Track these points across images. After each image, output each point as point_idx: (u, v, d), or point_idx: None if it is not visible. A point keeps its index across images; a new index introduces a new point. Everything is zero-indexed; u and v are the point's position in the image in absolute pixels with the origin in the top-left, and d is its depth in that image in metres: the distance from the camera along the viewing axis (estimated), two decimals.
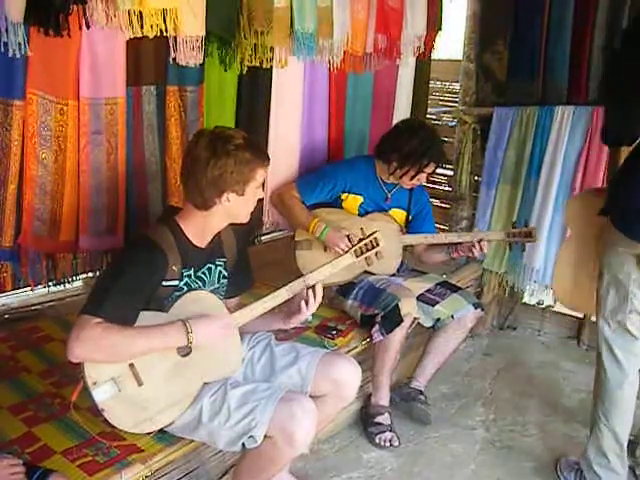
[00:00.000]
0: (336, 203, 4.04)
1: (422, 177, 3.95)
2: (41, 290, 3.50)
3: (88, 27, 2.82)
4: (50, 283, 3.33)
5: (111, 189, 3.26)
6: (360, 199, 4.03)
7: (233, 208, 2.68)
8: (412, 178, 3.91)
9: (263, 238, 5.20)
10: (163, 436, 2.76)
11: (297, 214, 3.94)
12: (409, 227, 4.19)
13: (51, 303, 4.08)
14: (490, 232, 4.60)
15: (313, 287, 2.80)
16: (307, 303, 2.79)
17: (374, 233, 3.12)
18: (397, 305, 3.62)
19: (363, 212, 4.05)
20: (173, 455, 2.78)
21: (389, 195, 4.09)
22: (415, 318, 3.74)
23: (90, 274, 3.48)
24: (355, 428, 3.92)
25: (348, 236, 3.62)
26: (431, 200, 4.40)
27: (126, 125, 3.23)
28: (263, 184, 2.79)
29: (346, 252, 3.11)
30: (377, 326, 3.68)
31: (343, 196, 4.02)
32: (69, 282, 3.42)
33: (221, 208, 2.66)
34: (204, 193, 2.62)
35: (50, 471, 2.36)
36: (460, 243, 3.90)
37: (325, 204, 4.03)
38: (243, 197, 2.66)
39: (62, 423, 2.86)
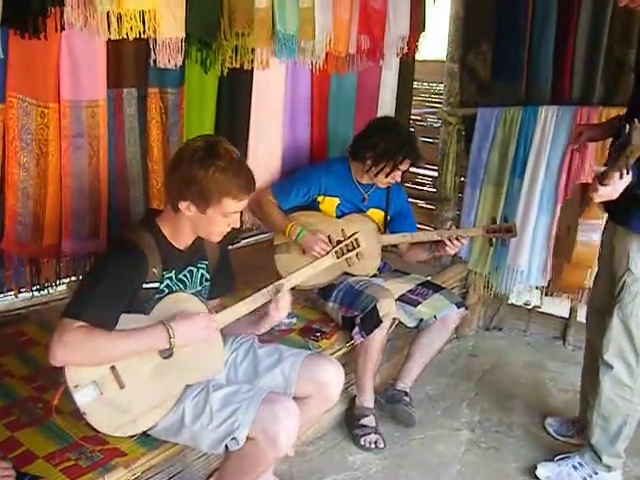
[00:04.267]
0: (313, 206, 4.03)
1: (397, 175, 3.93)
2: (25, 294, 3.47)
3: (63, 29, 2.82)
4: (34, 288, 3.33)
5: (93, 192, 3.25)
6: (336, 201, 4.02)
7: (196, 222, 2.63)
8: (387, 175, 3.89)
9: (246, 241, 5.20)
10: (146, 439, 2.75)
11: (274, 219, 3.94)
12: (389, 227, 4.18)
13: (35, 307, 4.04)
14: (469, 228, 4.60)
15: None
16: (276, 307, 2.78)
17: (355, 234, 3.12)
18: (375, 306, 3.61)
19: (340, 214, 4.04)
20: (157, 458, 2.77)
21: (366, 196, 4.08)
22: (395, 319, 3.72)
23: (74, 278, 3.45)
24: (340, 430, 3.92)
25: (329, 237, 3.61)
26: (416, 201, 4.39)
27: (107, 128, 3.22)
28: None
29: (326, 254, 3.10)
30: (357, 328, 3.67)
31: (319, 199, 4.01)
32: (53, 287, 3.41)
33: (186, 216, 2.61)
34: (168, 190, 2.63)
35: (37, 477, 2.35)
36: (439, 241, 3.86)
37: (303, 207, 4.02)
38: (205, 216, 2.59)
39: (45, 428, 2.84)
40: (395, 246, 4.21)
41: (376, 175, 3.92)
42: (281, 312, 2.80)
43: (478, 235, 4.09)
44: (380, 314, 3.59)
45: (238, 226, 2.73)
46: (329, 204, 4.02)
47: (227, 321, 2.74)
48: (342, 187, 4.03)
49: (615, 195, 2.86)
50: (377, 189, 4.08)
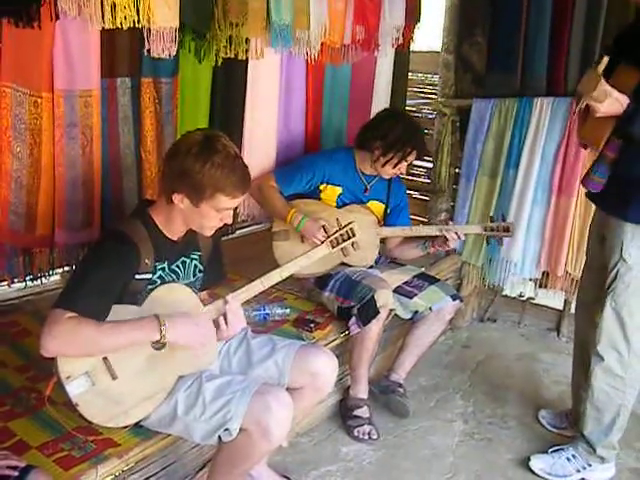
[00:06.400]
0: (314, 194, 4.02)
1: (403, 166, 3.93)
2: (19, 284, 3.47)
3: (57, 18, 2.79)
4: (27, 278, 3.32)
5: (87, 182, 3.25)
6: (339, 190, 4.01)
7: (188, 215, 2.62)
8: (395, 166, 3.89)
9: (240, 232, 5.18)
10: (139, 430, 2.74)
11: (275, 204, 3.91)
12: (386, 220, 4.17)
13: (29, 297, 4.04)
14: (468, 226, 4.59)
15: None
16: (226, 320, 2.71)
17: (350, 224, 3.12)
18: (373, 297, 3.60)
19: (341, 203, 4.03)
20: (150, 449, 2.76)
21: (368, 187, 4.07)
22: (391, 310, 3.73)
23: (67, 268, 3.45)
24: (334, 421, 3.92)
25: (324, 226, 3.60)
26: (410, 192, 4.38)
27: (101, 117, 3.21)
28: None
29: (322, 243, 3.10)
30: (354, 318, 3.66)
31: (322, 187, 4.00)
32: (46, 277, 3.41)
33: (178, 208, 2.60)
34: (163, 180, 2.64)
35: (31, 467, 2.35)
36: (437, 236, 3.88)
37: (303, 195, 4.01)
38: (197, 209, 2.58)
39: (38, 418, 2.83)
40: (383, 241, 4.20)
41: (383, 165, 3.92)
42: (232, 326, 2.74)
43: (477, 233, 4.09)
44: (377, 305, 3.59)
45: (230, 222, 2.72)
46: (331, 193, 4.01)
47: (219, 313, 2.72)
48: (346, 176, 4.02)
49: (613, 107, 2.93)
50: (379, 181, 4.08)
